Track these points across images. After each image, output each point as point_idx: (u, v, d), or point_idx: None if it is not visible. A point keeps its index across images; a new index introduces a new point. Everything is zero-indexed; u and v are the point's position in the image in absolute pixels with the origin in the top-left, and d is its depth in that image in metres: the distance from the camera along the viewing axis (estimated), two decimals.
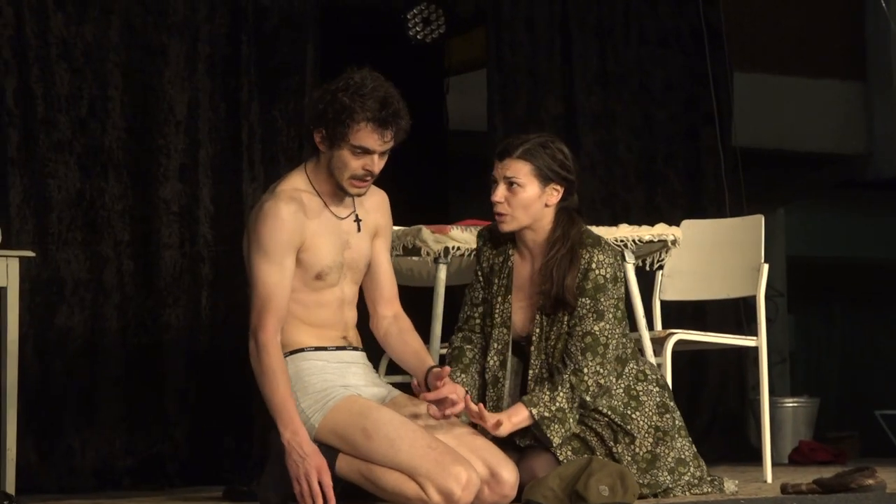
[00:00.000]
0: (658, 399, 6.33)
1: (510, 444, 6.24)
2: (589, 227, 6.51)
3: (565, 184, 6.33)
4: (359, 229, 6.27)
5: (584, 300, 6.18)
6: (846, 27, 15.65)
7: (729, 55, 10.78)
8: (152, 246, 8.88)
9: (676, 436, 6.33)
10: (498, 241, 6.47)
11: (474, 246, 6.83)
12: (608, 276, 6.21)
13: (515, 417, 6.09)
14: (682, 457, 6.32)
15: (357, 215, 6.29)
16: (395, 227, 7.15)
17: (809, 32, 15.31)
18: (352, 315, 6.38)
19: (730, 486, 6.42)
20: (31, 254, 8.11)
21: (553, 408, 6.07)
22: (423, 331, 6.99)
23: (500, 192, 6.29)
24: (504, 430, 6.06)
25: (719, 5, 10.70)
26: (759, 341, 7.43)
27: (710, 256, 7.75)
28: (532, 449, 6.21)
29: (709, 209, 10.02)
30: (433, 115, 11.42)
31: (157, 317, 8.89)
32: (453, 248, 6.90)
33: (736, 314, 9.57)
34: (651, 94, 10.53)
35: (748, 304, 7.78)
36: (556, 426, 6.08)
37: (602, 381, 6.15)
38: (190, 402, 8.94)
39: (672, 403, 6.39)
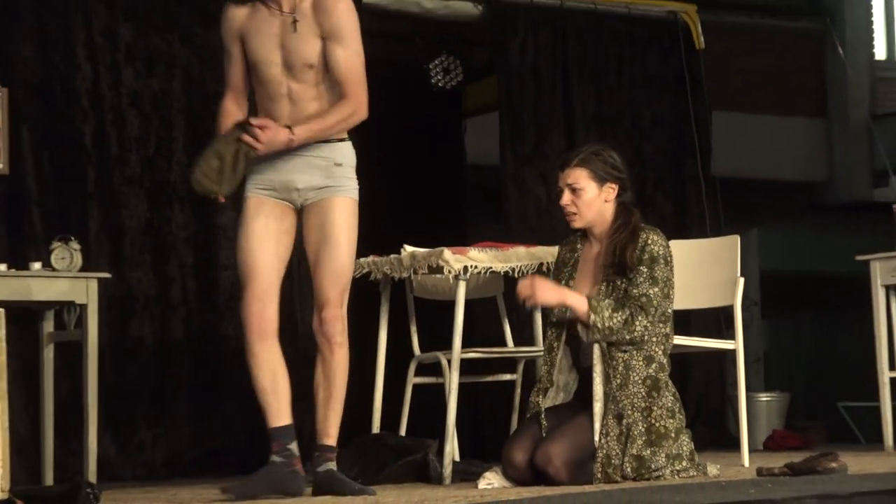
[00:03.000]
0: (672, 390, 6.39)
1: (530, 434, 6.27)
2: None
3: (619, 182, 6.51)
4: (294, 30, 6.20)
5: (641, 268, 6.31)
6: (809, 73, 15.64)
7: (708, 97, 10.77)
8: (211, 267, 8.90)
9: (682, 433, 6.35)
10: (570, 243, 6.67)
11: (489, 265, 6.90)
12: (661, 252, 6.37)
13: (572, 300, 6.27)
14: (680, 453, 6.33)
15: (295, 17, 6.22)
16: (420, 249, 7.18)
17: (777, 77, 15.29)
18: (301, 111, 6.25)
19: (712, 469, 6.44)
20: (107, 275, 8.17)
21: (605, 324, 6.22)
22: (447, 341, 7.04)
23: (566, 197, 6.51)
24: (553, 298, 6.28)
25: (699, 54, 10.71)
26: (737, 344, 7.43)
27: (694, 271, 7.74)
28: (550, 435, 6.23)
29: (692, 230, 10.02)
30: (452, 151, 11.43)
31: (216, 328, 8.91)
32: (471, 266, 6.91)
33: (716, 321, 9.56)
34: (641, 131, 10.53)
35: (727, 312, 7.77)
36: (598, 337, 6.22)
37: (644, 337, 6.27)
38: (246, 401, 8.93)
39: (679, 407, 6.42)
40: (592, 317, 6.19)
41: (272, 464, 6.22)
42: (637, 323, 6.25)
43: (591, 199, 6.46)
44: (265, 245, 6.36)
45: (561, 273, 6.60)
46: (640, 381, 6.28)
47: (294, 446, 6.31)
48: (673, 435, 6.28)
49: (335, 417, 6.43)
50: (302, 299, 9.11)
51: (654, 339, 6.35)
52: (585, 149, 6.65)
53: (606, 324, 6.19)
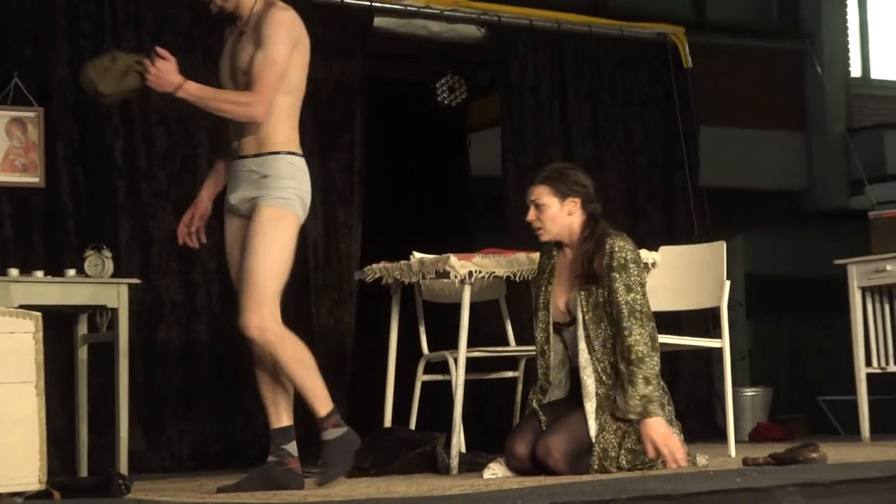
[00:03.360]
0: (663, 385, 6.39)
1: (531, 428, 6.27)
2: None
3: (581, 195, 6.46)
4: (240, 40, 6.21)
5: (613, 275, 6.28)
6: (789, 89, 15.65)
7: (695, 112, 10.79)
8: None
9: (672, 427, 6.36)
10: (547, 251, 6.64)
11: (493, 270, 6.91)
12: (629, 257, 6.33)
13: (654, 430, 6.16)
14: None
15: (244, 29, 6.22)
16: (428, 256, 7.19)
17: (759, 94, 15.30)
18: (240, 124, 6.22)
19: (701, 460, 6.43)
20: (137, 281, 8.18)
21: (634, 402, 6.16)
22: (453, 341, 7.04)
23: (531, 213, 6.54)
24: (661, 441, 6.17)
25: (687, 73, 10.72)
26: (723, 343, 7.43)
27: (683, 275, 7.74)
28: (549, 429, 6.24)
29: (681, 237, 10.02)
30: (457, 163, 11.45)
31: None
32: (476, 271, 6.92)
33: (704, 321, 9.57)
34: (633, 145, 10.55)
35: (714, 313, 7.76)
36: (654, 406, 6.17)
37: (643, 344, 6.22)
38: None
39: (668, 399, 6.42)
40: (631, 416, 6.19)
41: (267, 464, 6.18)
42: (637, 335, 6.21)
43: (554, 213, 6.46)
44: (234, 261, 6.30)
45: (540, 279, 6.59)
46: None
47: (291, 446, 6.26)
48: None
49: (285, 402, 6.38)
50: (317, 300, 9.13)
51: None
52: (549, 168, 6.68)
53: (634, 401, 6.18)
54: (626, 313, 6.24)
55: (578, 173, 6.58)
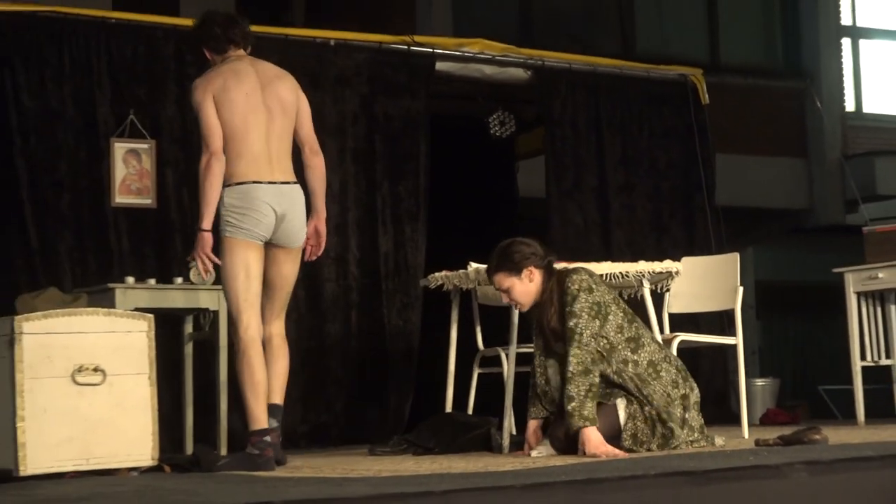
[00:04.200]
0: (673, 376, 6.32)
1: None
2: (569, 265, 6.57)
3: (530, 261, 6.35)
4: None
5: (567, 309, 6.20)
6: (792, 122, 15.61)
7: (712, 142, 10.73)
8: (317, 280, 8.91)
9: (690, 406, 6.31)
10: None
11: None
12: (581, 287, 6.21)
13: (591, 443, 5.99)
14: (692, 424, 6.29)
15: None
16: (482, 266, 7.17)
17: (767, 126, 15.26)
18: None
19: (719, 441, 6.40)
20: None
21: (575, 403, 6.04)
22: (505, 338, 7.02)
23: (504, 298, 6.47)
24: (594, 448, 5.97)
25: (704, 109, 10.67)
26: (737, 340, 7.40)
27: (702, 282, 7.71)
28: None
29: (700, 249, 9.96)
30: (507, 187, 11.43)
31: (320, 329, 8.92)
32: None
33: (720, 321, 9.51)
34: (658, 171, 10.49)
35: (729, 314, 7.72)
36: (577, 420, 6.03)
37: (586, 360, 6.10)
38: (345, 387, 8.96)
39: (688, 382, 6.37)
40: (576, 419, 6.05)
41: (247, 454, 6.04)
42: (571, 357, 6.11)
43: (520, 289, 6.36)
44: None
45: (537, 332, 6.49)
46: (631, 377, 6.23)
47: (269, 438, 6.14)
48: (675, 412, 6.22)
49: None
50: (388, 304, 9.12)
51: (619, 347, 6.25)
52: (494, 253, 6.44)
53: (574, 403, 6.05)
54: (568, 336, 6.16)
55: (520, 245, 6.42)
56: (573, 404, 6.04)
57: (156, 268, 8.25)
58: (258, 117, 6.28)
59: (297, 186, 6.38)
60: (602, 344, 6.20)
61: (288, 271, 6.46)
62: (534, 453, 6.25)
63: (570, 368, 6.09)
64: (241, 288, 6.23)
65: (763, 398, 12.31)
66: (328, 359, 8.91)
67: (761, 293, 15.77)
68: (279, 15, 13.94)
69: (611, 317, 6.23)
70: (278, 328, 6.55)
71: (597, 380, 6.10)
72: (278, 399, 6.48)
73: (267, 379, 6.27)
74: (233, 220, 6.21)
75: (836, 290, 8.95)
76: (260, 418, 6.12)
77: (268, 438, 6.09)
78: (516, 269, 6.34)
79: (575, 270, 6.33)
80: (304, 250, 6.53)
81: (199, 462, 5.92)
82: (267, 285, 6.40)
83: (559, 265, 6.54)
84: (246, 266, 6.23)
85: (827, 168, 15.49)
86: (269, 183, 6.23)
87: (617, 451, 5.98)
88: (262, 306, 6.38)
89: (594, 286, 6.26)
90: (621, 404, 6.19)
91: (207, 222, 6.23)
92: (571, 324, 6.17)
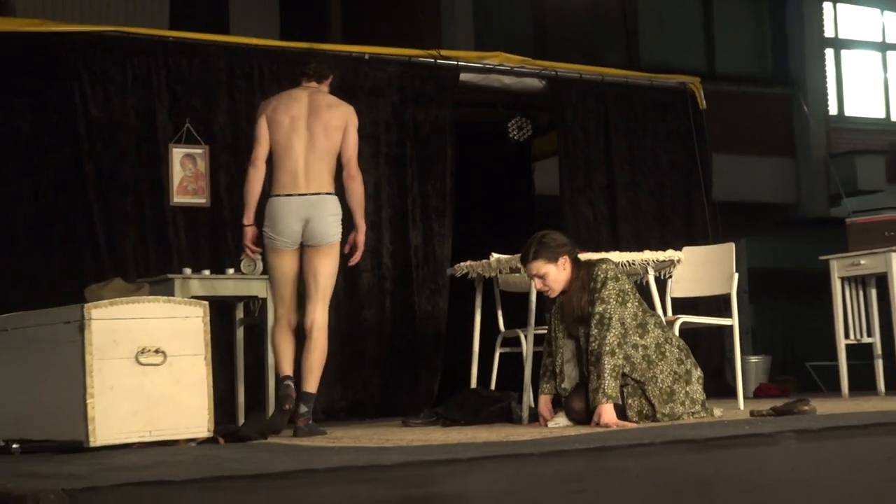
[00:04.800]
0: (677, 356, 6.28)
1: (584, 389, 6.20)
2: (593, 256, 6.56)
3: (565, 251, 6.29)
4: None
5: (595, 296, 6.14)
6: (781, 125, 15.59)
7: (709, 143, 10.70)
8: (355, 271, 8.89)
9: (691, 383, 6.27)
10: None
11: None
12: (607, 276, 6.15)
13: (605, 416, 5.93)
14: (694, 397, 6.26)
15: None
16: (503, 256, 7.16)
17: (758, 129, 15.23)
18: None
19: (717, 412, 6.37)
20: None
21: (603, 385, 5.99)
22: (524, 321, 7.00)
23: (538, 284, 6.35)
24: (607, 420, 5.93)
25: (702, 113, 10.63)
26: (733, 321, 7.38)
27: (701, 269, 7.68)
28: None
29: (699, 240, 9.91)
30: (525, 185, 11.40)
31: (357, 314, 8.92)
32: None
33: (718, 304, 9.45)
34: (661, 170, 10.46)
35: (725, 298, 7.69)
36: (601, 396, 5.98)
37: (613, 342, 6.05)
38: (380, 366, 8.95)
39: (690, 359, 6.33)
40: (601, 397, 5.98)
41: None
42: (607, 337, 6.05)
43: (555, 276, 6.27)
44: None
45: (558, 321, 6.42)
46: (640, 360, 6.19)
47: (287, 382, 6.69)
48: (680, 388, 6.19)
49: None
50: (418, 292, 9.11)
51: (631, 332, 6.17)
52: (532, 241, 6.37)
53: (599, 381, 6.00)
54: (595, 321, 6.10)
55: (554, 235, 6.39)
56: (599, 382, 6.00)
57: (210, 260, 8.26)
58: (300, 139, 6.64)
59: (327, 196, 6.67)
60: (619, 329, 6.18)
61: (317, 265, 6.68)
62: (551, 424, 6.23)
63: (599, 349, 6.04)
64: (274, 286, 6.84)
65: (756, 374, 12.28)
66: (365, 341, 8.91)
67: (754, 279, 15.72)
68: (320, 32, 13.95)
69: (629, 304, 6.19)
70: (317, 318, 6.75)
71: (621, 361, 6.05)
72: (309, 387, 6.67)
73: (290, 354, 6.76)
74: (267, 231, 6.73)
75: (822, 276, 8.90)
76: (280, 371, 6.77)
77: (286, 383, 6.61)
78: (553, 257, 6.27)
79: (602, 260, 6.29)
80: (347, 257, 6.89)
81: (242, 433, 5.94)
82: (303, 279, 6.76)
83: (584, 256, 6.50)
84: (275, 268, 6.75)
85: (813, 166, 15.45)
86: (299, 195, 6.63)
87: (626, 423, 5.96)
88: (306, 298, 6.75)
89: (619, 275, 6.23)
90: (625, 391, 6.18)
91: (247, 218, 6.80)
92: (601, 308, 6.10)
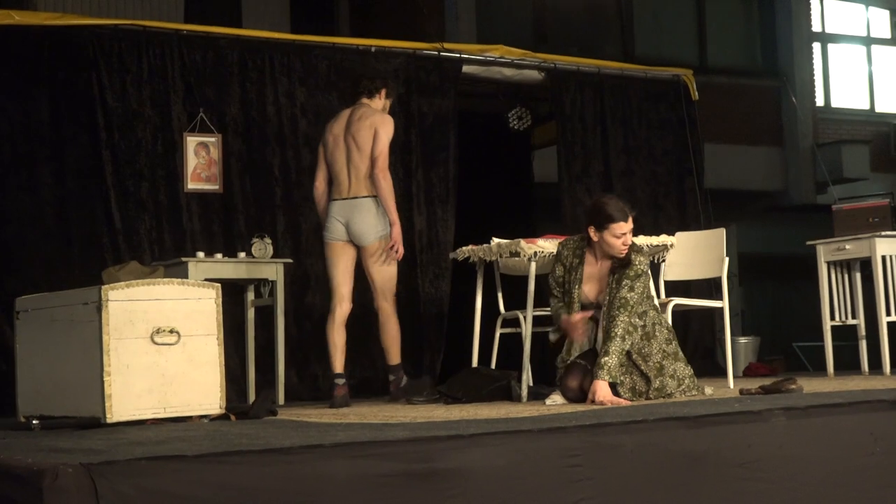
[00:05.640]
0: (667, 335, 6.28)
1: (579, 369, 6.19)
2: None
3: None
4: None
5: (626, 281, 6.13)
6: (770, 115, 15.56)
7: (701, 133, 10.67)
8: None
9: (678, 360, 6.27)
10: (572, 249, 6.41)
11: (552, 250, 6.81)
12: (643, 269, 6.20)
13: (601, 392, 5.93)
14: (681, 375, 6.25)
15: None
16: (503, 241, 7.15)
17: (748, 119, 15.19)
18: None
19: (708, 390, 6.36)
20: (290, 261, 8.20)
21: (609, 363, 6.00)
22: (523, 303, 6.99)
23: (627, 239, 6.23)
24: (602, 397, 5.93)
25: (694, 104, 10.61)
26: (724, 303, 7.36)
27: (693, 253, 7.66)
28: (593, 369, 6.17)
29: (691, 225, 9.91)
30: (525, 173, 11.37)
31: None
32: (539, 251, 6.87)
33: (709, 287, 9.46)
34: (655, 158, 10.44)
35: (716, 281, 7.68)
36: (603, 372, 5.98)
37: (628, 327, 6.09)
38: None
39: (675, 342, 6.33)
40: (602, 371, 5.99)
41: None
42: (619, 321, 6.06)
43: (628, 231, 6.27)
44: None
45: (571, 276, 6.36)
46: (638, 339, 6.18)
47: (337, 381, 7.22)
48: (669, 364, 6.18)
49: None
50: (422, 275, 9.10)
51: (641, 310, 6.20)
52: (623, 201, 6.36)
53: (606, 358, 6.01)
54: (618, 305, 6.09)
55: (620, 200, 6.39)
56: (605, 359, 6.00)
57: (222, 244, 8.27)
58: (341, 152, 7.25)
59: (365, 199, 7.18)
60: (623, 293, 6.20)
61: (369, 264, 7.27)
62: (548, 402, 6.23)
63: (616, 330, 6.04)
64: (329, 276, 7.38)
65: (745, 354, 12.26)
66: (370, 322, 8.88)
67: (744, 263, 15.70)
68: (328, 26, 13.92)
69: (648, 296, 6.28)
70: (382, 307, 7.38)
71: (628, 346, 6.08)
72: (390, 360, 7.43)
73: (340, 351, 7.30)
74: (324, 229, 7.40)
75: (809, 260, 8.89)
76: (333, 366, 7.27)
77: (337, 381, 7.15)
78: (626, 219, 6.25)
79: (640, 250, 6.28)
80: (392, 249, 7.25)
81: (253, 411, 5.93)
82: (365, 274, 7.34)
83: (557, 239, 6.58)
84: (326, 260, 7.37)
85: (800, 155, 15.42)
86: (342, 199, 7.21)
87: (620, 399, 5.94)
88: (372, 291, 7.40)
89: (648, 270, 6.28)
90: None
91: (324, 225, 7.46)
92: (628, 295, 6.11)
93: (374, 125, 7.14)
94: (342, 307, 7.29)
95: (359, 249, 7.24)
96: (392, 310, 7.33)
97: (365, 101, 7.30)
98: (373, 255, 7.18)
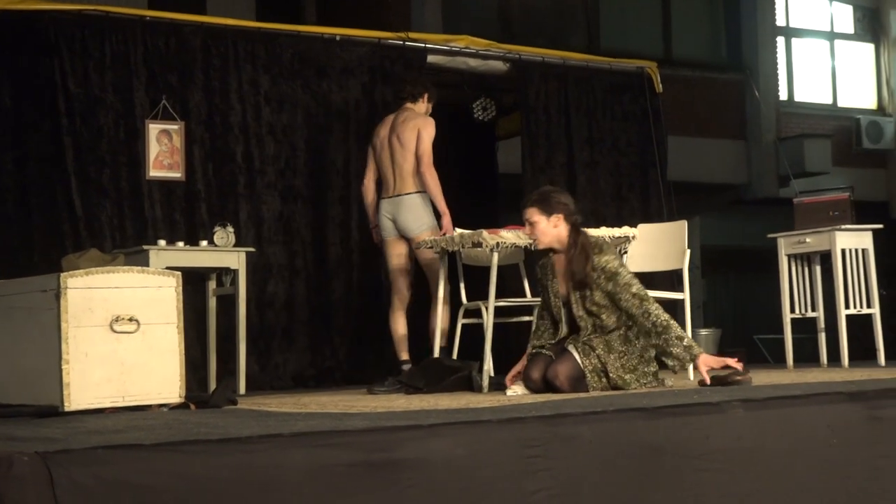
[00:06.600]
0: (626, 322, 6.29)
1: (542, 360, 6.19)
2: (588, 230, 6.49)
3: (563, 211, 6.29)
4: None
5: (609, 287, 6.12)
6: (733, 108, 15.63)
7: (665, 125, 10.69)
8: (324, 243, 8.89)
9: (639, 349, 6.26)
10: (545, 257, 6.45)
11: (516, 241, 6.82)
12: (614, 266, 6.17)
13: (709, 361, 6.01)
14: (646, 371, 6.24)
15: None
16: (466, 231, 7.14)
17: (712, 112, 15.26)
18: None
19: (669, 381, 6.37)
20: (252, 249, 8.17)
21: (690, 342, 6.05)
22: (485, 294, 6.99)
23: (526, 229, 6.43)
24: (712, 362, 6.02)
25: (658, 97, 10.62)
26: (685, 295, 7.38)
27: (655, 245, 7.68)
28: (555, 360, 6.17)
29: (654, 218, 9.93)
30: (489, 164, 11.36)
31: (327, 286, 8.90)
32: (502, 242, 6.86)
33: (671, 279, 9.47)
34: (619, 150, 10.44)
35: (678, 273, 7.70)
36: (697, 347, 6.05)
37: (662, 314, 6.08)
38: (347, 335, 8.94)
39: (639, 340, 6.32)
40: (694, 348, 6.04)
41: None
42: (654, 309, 6.08)
43: (543, 227, 6.28)
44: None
45: (546, 276, 6.43)
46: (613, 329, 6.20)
47: (404, 367, 7.58)
48: (632, 354, 6.19)
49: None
50: (385, 265, 9.09)
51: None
52: (537, 192, 6.46)
53: (687, 338, 6.06)
54: (637, 303, 6.10)
55: (560, 195, 6.40)
56: (684, 342, 6.00)
57: (185, 232, 8.22)
58: (387, 153, 7.80)
59: (409, 195, 7.73)
60: (601, 296, 6.18)
61: (417, 254, 7.77)
62: (509, 392, 6.23)
63: (662, 322, 6.02)
64: (387, 269, 7.99)
65: (707, 346, 12.31)
66: (333, 311, 8.89)
67: (706, 255, 15.78)
68: (294, 14, 13.87)
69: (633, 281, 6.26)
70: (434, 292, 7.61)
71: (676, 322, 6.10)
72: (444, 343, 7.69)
73: (402, 339, 7.82)
74: (378, 227, 7.95)
75: (770, 253, 8.93)
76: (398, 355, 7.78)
77: (403, 368, 7.52)
78: (547, 212, 6.28)
79: (601, 248, 6.25)
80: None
81: (213, 400, 5.90)
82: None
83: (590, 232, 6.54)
84: (385, 253, 7.95)
85: (763, 148, 15.50)
86: (389, 197, 7.79)
87: (729, 359, 6.04)
88: None
89: (619, 259, 6.28)
90: (572, 349, 6.16)
91: (370, 222, 8.10)
92: (634, 291, 6.08)
93: (418, 127, 7.71)
94: (399, 298, 7.82)
95: (409, 242, 7.74)
96: (441, 299, 7.58)
97: (409, 105, 7.88)
98: (420, 246, 7.57)
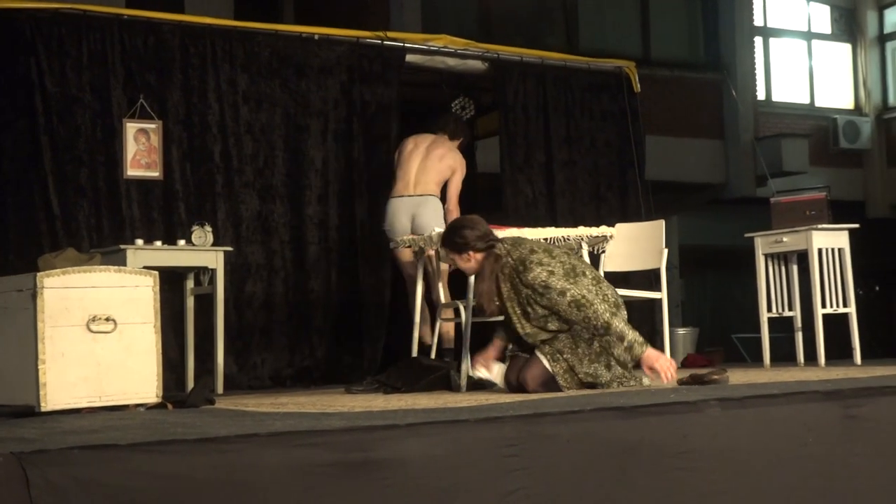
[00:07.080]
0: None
1: (516, 363, 6.19)
2: (507, 240, 6.36)
3: (469, 248, 6.24)
4: None
5: (543, 300, 6.05)
6: (711, 108, 15.68)
7: (643, 125, 10.71)
8: (302, 243, 8.87)
9: (614, 348, 6.24)
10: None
11: None
12: (544, 277, 6.04)
13: (657, 359, 6.02)
14: (623, 370, 6.22)
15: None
16: (444, 230, 7.13)
17: (690, 111, 15.30)
18: None
19: (646, 381, 6.35)
20: (230, 249, 8.15)
21: (633, 339, 6.06)
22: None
23: (451, 266, 6.66)
24: (661, 364, 6.00)
25: (636, 96, 10.64)
26: (662, 295, 7.40)
27: (633, 244, 7.70)
28: (526, 363, 6.16)
29: (632, 217, 9.94)
30: (468, 163, 11.33)
31: (305, 285, 8.88)
32: None
33: (648, 279, 9.49)
34: (597, 149, 10.46)
35: (656, 272, 7.71)
36: (639, 347, 6.06)
37: (605, 312, 6.00)
38: (325, 335, 8.92)
39: (607, 337, 6.30)
40: (634, 349, 6.04)
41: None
42: (598, 311, 5.99)
43: (461, 264, 6.29)
44: None
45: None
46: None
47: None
48: (606, 353, 6.17)
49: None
50: (363, 264, 9.08)
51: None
52: (446, 231, 6.42)
53: (630, 335, 6.04)
54: (575, 311, 5.99)
55: (463, 229, 6.29)
56: (627, 341, 5.99)
57: (162, 231, 8.20)
58: (418, 155, 8.36)
59: (429, 196, 8.30)
60: (542, 309, 6.14)
61: (398, 255, 8.14)
62: (474, 374, 6.27)
63: (603, 323, 5.95)
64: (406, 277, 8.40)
65: (684, 345, 12.34)
66: (311, 311, 8.87)
67: (684, 255, 15.81)
68: (273, 13, 13.85)
69: (577, 269, 6.16)
70: (441, 298, 7.63)
71: (621, 316, 6.06)
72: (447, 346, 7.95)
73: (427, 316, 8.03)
74: (385, 229, 8.32)
75: (747, 253, 8.95)
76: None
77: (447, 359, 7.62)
78: (458, 249, 6.27)
79: (514, 251, 6.16)
80: None
81: (191, 400, 5.88)
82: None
83: (501, 233, 6.50)
84: (400, 263, 8.35)
85: (741, 148, 15.55)
86: (409, 196, 8.28)
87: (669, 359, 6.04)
88: None
89: (537, 248, 6.17)
90: (540, 354, 6.14)
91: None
92: (569, 299, 5.95)
93: (454, 167, 8.42)
94: (417, 293, 7.74)
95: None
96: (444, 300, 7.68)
97: (445, 136, 8.58)
98: (398, 245, 7.74)
